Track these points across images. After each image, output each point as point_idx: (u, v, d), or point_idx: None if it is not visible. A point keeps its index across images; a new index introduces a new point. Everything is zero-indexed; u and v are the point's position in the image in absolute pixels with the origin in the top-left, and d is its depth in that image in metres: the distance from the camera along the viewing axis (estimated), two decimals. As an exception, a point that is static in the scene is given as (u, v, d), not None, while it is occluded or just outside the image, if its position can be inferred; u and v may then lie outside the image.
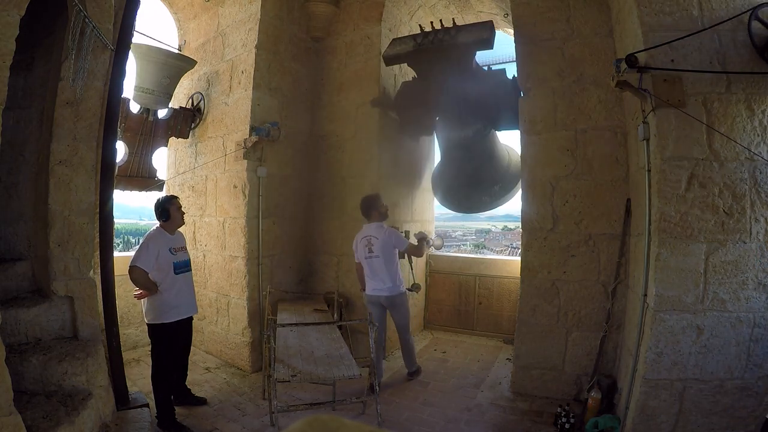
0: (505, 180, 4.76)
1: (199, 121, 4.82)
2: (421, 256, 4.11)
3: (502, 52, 5.24)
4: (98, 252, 3.09)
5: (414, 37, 4.25)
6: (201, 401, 3.47)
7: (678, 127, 2.51)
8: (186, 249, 3.40)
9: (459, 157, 4.73)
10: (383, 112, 4.62)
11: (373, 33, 4.65)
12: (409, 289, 4.11)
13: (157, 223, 3.26)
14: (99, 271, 3.07)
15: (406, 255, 4.13)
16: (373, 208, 3.87)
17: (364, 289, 3.97)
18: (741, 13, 2.48)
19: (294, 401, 3.52)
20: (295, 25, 4.72)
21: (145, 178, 4.63)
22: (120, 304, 3.37)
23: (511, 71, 4.04)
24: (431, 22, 4.26)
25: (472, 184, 4.83)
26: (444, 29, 4.13)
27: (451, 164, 4.89)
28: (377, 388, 3.24)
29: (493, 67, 4.52)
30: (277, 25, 4.47)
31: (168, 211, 3.22)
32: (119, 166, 4.15)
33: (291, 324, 3.62)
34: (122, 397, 3.05)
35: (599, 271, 3.40)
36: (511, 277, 5.10)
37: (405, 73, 5.09)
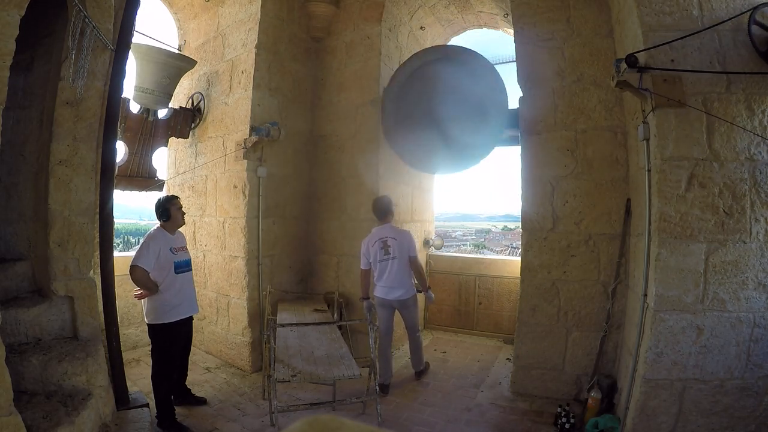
0: None
1: (199, 121, 4.82)
2: (422, 277, 3.96)
3: (502, 52, 5.24)
4: (98, 252, 3.09)
5: None
6: (201, 401, 3.47)
7: (678, 127, 2.51)
8: (186, 249, 3.40)
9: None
10: (383, 111, 4.61)
11: (373, 33, 4.65)
12: (418, 291, 3.99)
13: (157, 223, 3.26)
14: (99, 271, 3.07)
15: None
16: (388, 210, 3.86)
17: (366, 297, 3.85)
18: (740, 13, 2.48)
19: (294, 401, 3.52)
20: (295, 25, 4.72)
21: (145, 178, 4.63)
22: (120, 304, 3.37)
23: (512, 71, 4.03)
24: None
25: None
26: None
27: None
28: (377, 389, 3.24)
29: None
30: (277, 25, 4.47)
31: (168, 211, 3.22)
32: (119, 166, 4.15)
33: (291, 324, 3.62)
34: (122, 397, 3.05)
35: (599, 271, 3.40)
36: (511, 277, 5.10)
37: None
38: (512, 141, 4.27)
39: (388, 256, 3.73)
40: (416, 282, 3.94)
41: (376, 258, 3.76)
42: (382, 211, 3.86)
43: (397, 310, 3.89)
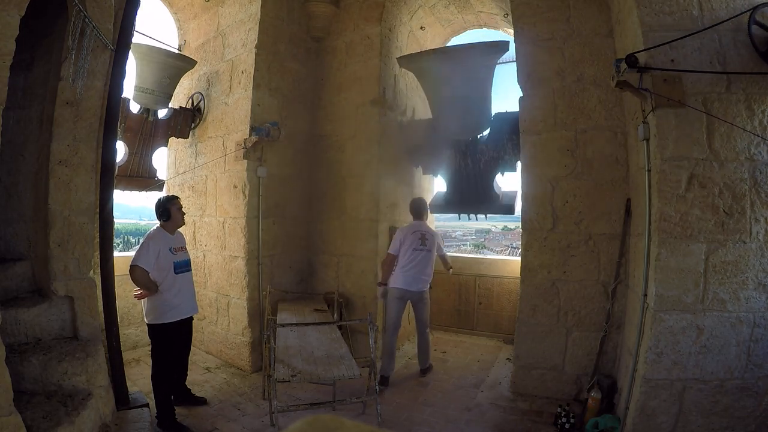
0: None
1: (199, 121, 4.82)
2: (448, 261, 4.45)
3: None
4: (98, 252, 3.09)
5: None
6: (201, 401, 3.47)
7: (678, 127, 2.51)
8: (186, 249, 3.40)
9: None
10: (383, 112, 4.62)
11: (373, 33, 4.65)
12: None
13: (157, 223, 3.27)
14: (99, 271, 3.07)
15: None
16: (424, 210, 4.19)
17: (384, 284, 4.02)
18: (740, 13, 2.48)
19: (294, 401, 3.52)
20: (295, 25, 4.72)
21: (145, 178, 4.63)
22: (120, 304, 3.37)
23: (512, 71, 4.05)
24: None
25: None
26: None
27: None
28: (377, 388, 3.24)
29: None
30: (277, 25, 4.47)
31: (169, 210, 3.22)
32: (119, 166, 4.15)
33: (291, 324, 3.62)
34: (122, 397, 3.05)
35: (599, 271, 3.40)
36: (511, 277, 5.10)
37: (405, 72, 5.09)
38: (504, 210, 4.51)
39: (424, 247, 3.97)
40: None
41: (411, 245, 3.95)
42: (421, 209, 4.17)
43: (410, 304, 4.05)
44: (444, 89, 4.28)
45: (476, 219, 4.74)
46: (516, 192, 4.38)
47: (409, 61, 4.43)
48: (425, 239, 3.99)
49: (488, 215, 4.70)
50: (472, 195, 4.56)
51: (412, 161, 5.00)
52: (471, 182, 4.55)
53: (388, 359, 3.91)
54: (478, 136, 4.47)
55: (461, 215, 4.74)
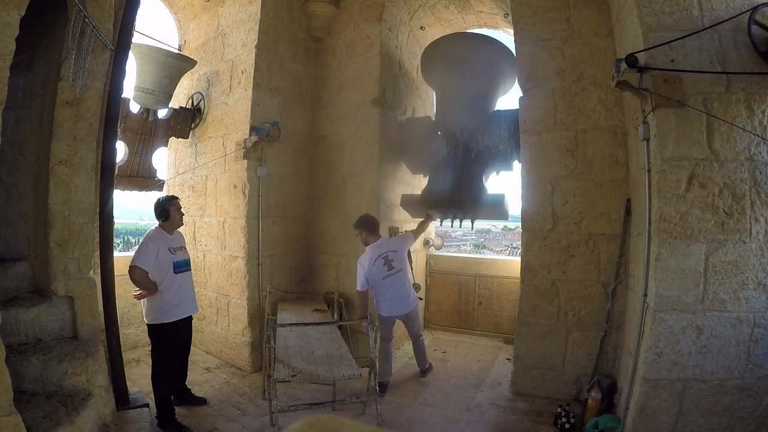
0: None
1: (199, 121, 4.81)
2: (425, 229, 4.34)
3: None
4: (98, 252, 3.10)
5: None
6: (201, 401, 3.47)
7: (678, 127, 2.51)
8: (185, 248, 3.40)
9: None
10: (383, 111, 4.62)
11: (373, 33, 4.65)
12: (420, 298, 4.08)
13: (156, 223, 3.27)
14: (99, 271, 3.07)
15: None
16: (378, 224, 3.88)
17: (365, 317, 3.58)
18: (740, 13, 2.48)
19: (294, 401, 3.52)
20: (295, 25, 4.72)
21: (145, 178, 4.62)
22: (120, 304, 3.37)
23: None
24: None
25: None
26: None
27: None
28: (377, 388, 3.24)
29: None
30: (277, 25, 4.47)
31: (168, 211, 3.22)
32: (119, 166, 4.15)
33: (291, 324, 3.62)
34: (122, 397, 3.05)
35: (599, 271, 3.40)
36: (511, 277, 5.10)
37: (405, 72, 5.09)
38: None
39: (392, 270, 3.68)
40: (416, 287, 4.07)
41: (380, 275, 3.66)
42: (375, 225, 3.84)
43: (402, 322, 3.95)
44: (461, 81, 4.26)
45: (457, 225, 4.35)
46: (503, 195, 4.22)
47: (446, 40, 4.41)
48: (390, 261, 3.66)
49: (478, 219, 4.34)
50: (457, 193, 4.23)
51: (402, 159, 4.94)
52: (460, 180, 4.30)
53: (384, 365, 3.80)
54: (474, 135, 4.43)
55: (444, 220, 4.36)
